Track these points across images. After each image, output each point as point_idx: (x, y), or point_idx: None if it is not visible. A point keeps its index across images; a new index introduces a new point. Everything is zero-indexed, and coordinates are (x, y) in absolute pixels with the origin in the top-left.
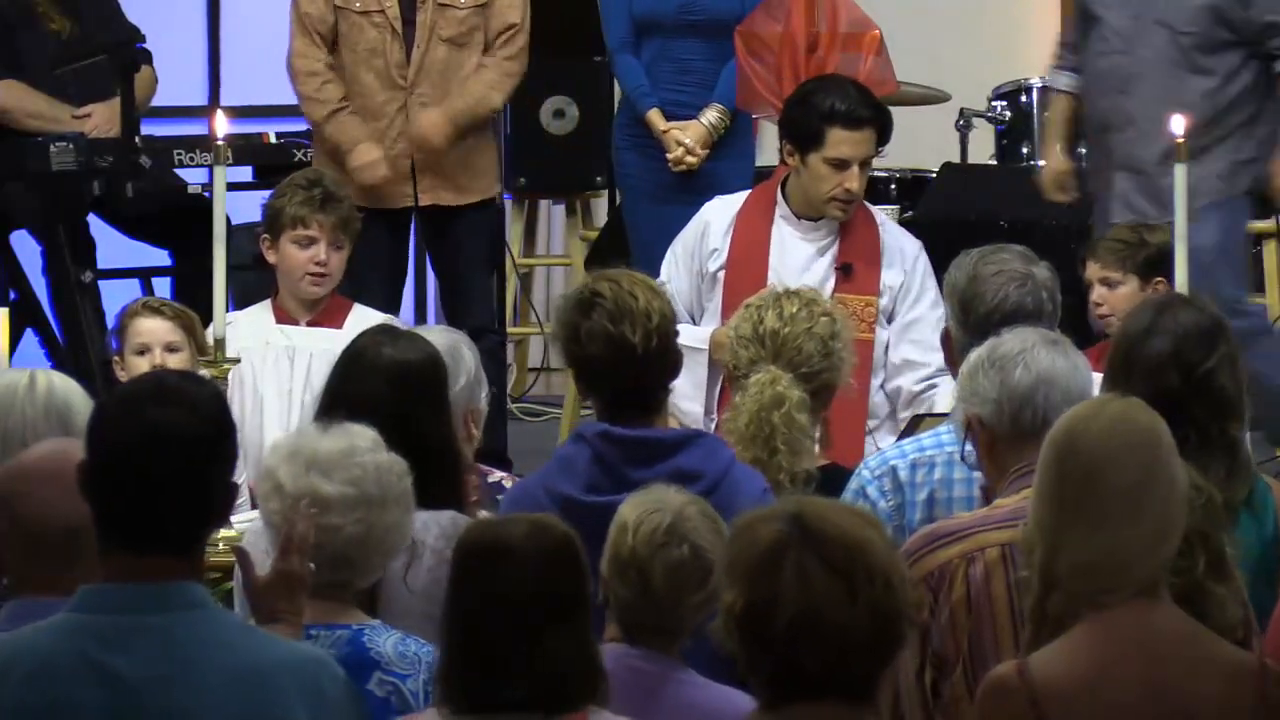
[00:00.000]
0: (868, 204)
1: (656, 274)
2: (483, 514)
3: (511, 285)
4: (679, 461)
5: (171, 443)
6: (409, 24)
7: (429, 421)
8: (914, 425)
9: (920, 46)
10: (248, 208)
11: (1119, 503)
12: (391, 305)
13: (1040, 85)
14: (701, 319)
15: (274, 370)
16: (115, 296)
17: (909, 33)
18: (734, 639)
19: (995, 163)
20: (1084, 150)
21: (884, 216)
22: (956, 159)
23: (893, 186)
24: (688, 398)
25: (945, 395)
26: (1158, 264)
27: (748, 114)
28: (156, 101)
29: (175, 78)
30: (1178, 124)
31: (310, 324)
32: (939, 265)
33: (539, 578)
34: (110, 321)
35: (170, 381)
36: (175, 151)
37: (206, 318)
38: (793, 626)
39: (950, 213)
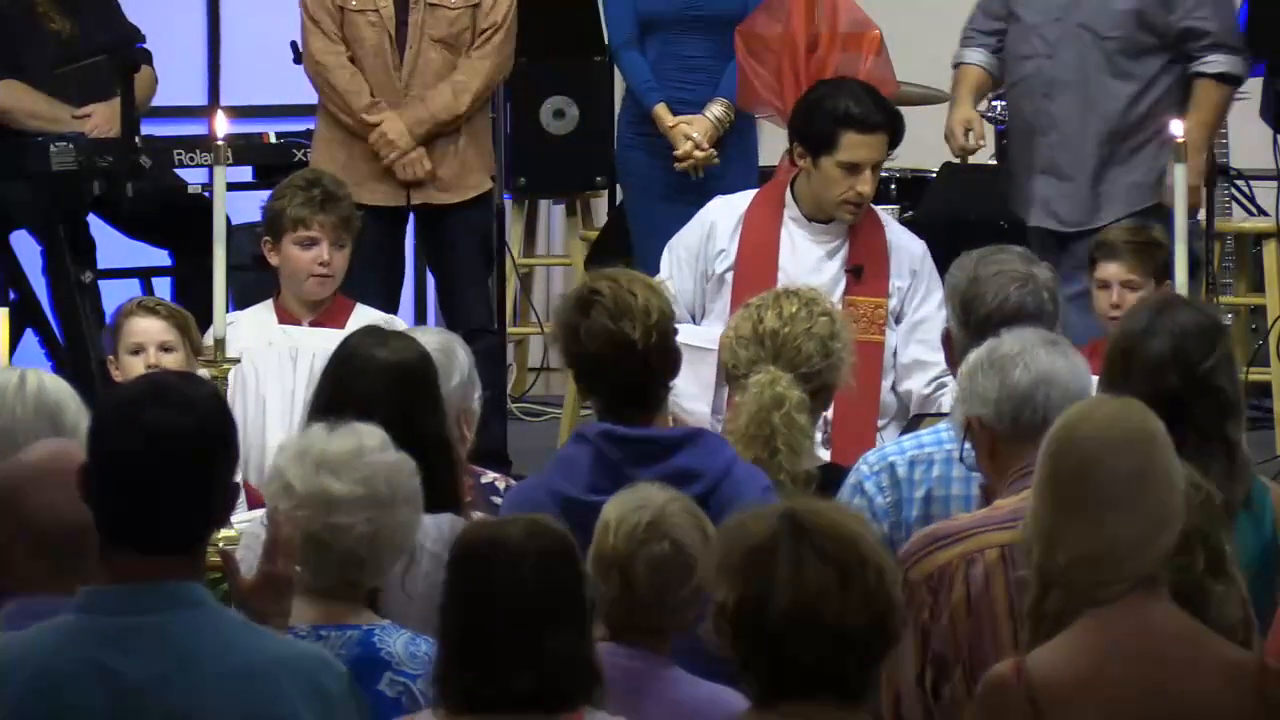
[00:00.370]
0: (872, 205)
1: (657, 272)
2: (476, 515)
3: (511, 285)
4: (681, 460)
5: (172, 444)
6: (403, 24)
7: (425, 421)
8: (914, 424)
9: (920, 46)
10: (248, 208)
11: (1114, 494)
12: (389, 305)
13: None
14: (705, 320)
15: (277, 371)
16: (115, 296)
17: (909, 33)
18: (727, 637)
19: (995, 163)
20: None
21: (888, 217)
22: (956, 159)
23: (893, 186)
24: (694, 398)
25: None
26: (1166, 267)
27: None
28: (156, 101)
29: (175, 78)
30: (1177, 126)
31: (313, 324)
32: (939, 265)
33: (536, 578)
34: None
35: (169, 382)
36: (175, 151)
37: (206, 318)
38: (786, 619)
39: (950, 213)
